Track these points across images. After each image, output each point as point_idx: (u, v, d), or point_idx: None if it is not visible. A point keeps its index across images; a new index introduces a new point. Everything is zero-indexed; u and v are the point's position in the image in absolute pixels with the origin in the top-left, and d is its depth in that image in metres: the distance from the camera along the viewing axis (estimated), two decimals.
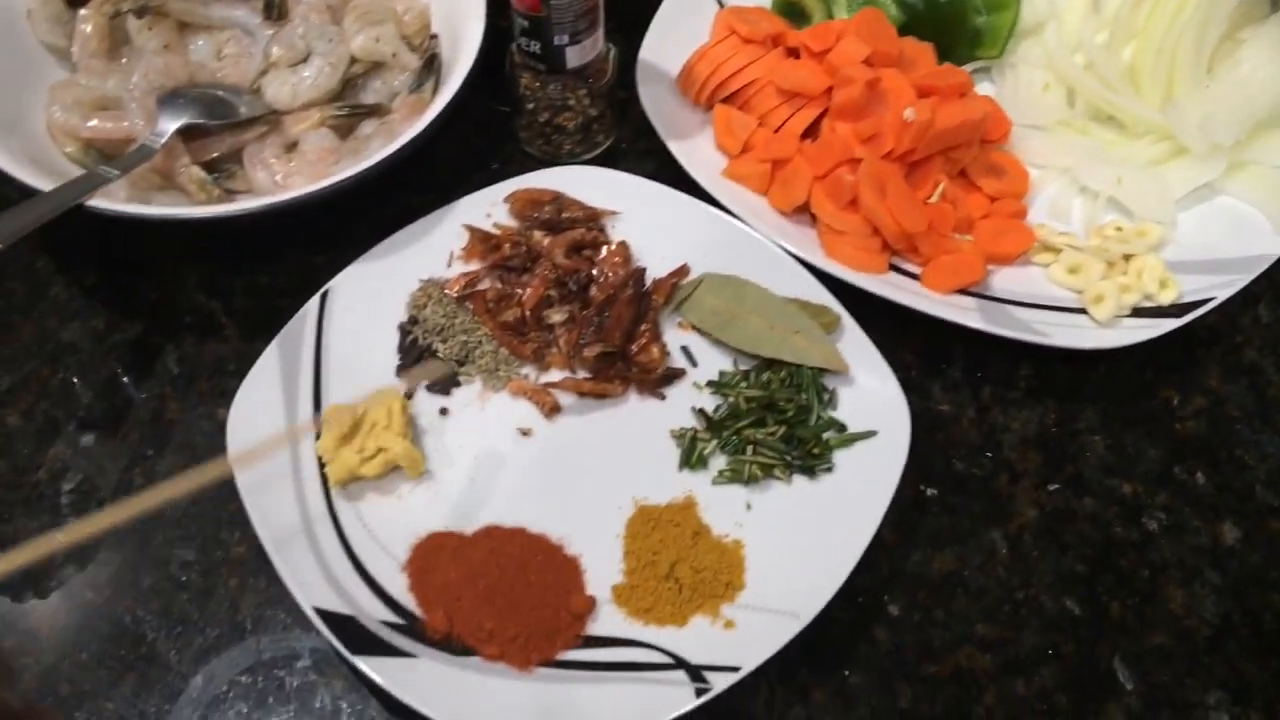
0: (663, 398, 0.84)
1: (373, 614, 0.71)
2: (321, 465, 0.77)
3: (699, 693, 0.68)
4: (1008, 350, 0.88)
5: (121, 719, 0.71)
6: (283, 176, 0.91)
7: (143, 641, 0.74)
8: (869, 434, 0.80)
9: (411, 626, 0.71)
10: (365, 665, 0.67)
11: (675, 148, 0.93)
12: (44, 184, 0.81)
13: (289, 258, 0.93)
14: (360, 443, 0.77)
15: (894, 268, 0.90)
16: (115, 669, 0.73)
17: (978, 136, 0.91)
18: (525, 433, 0.81)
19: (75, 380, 0.86)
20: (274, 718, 0.71)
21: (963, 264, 0.87)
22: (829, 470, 0.79)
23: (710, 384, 0.85)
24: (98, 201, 0.81)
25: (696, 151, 0.95)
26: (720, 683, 0.68)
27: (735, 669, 0.69)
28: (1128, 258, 0.89)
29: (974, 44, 1.01)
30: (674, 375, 0.85)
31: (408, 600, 0.73)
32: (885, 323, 0.85)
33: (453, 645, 0.70)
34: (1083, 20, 1.00)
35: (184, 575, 0.77)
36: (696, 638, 0.72)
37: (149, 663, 0.73)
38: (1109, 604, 0.78)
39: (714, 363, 0.86)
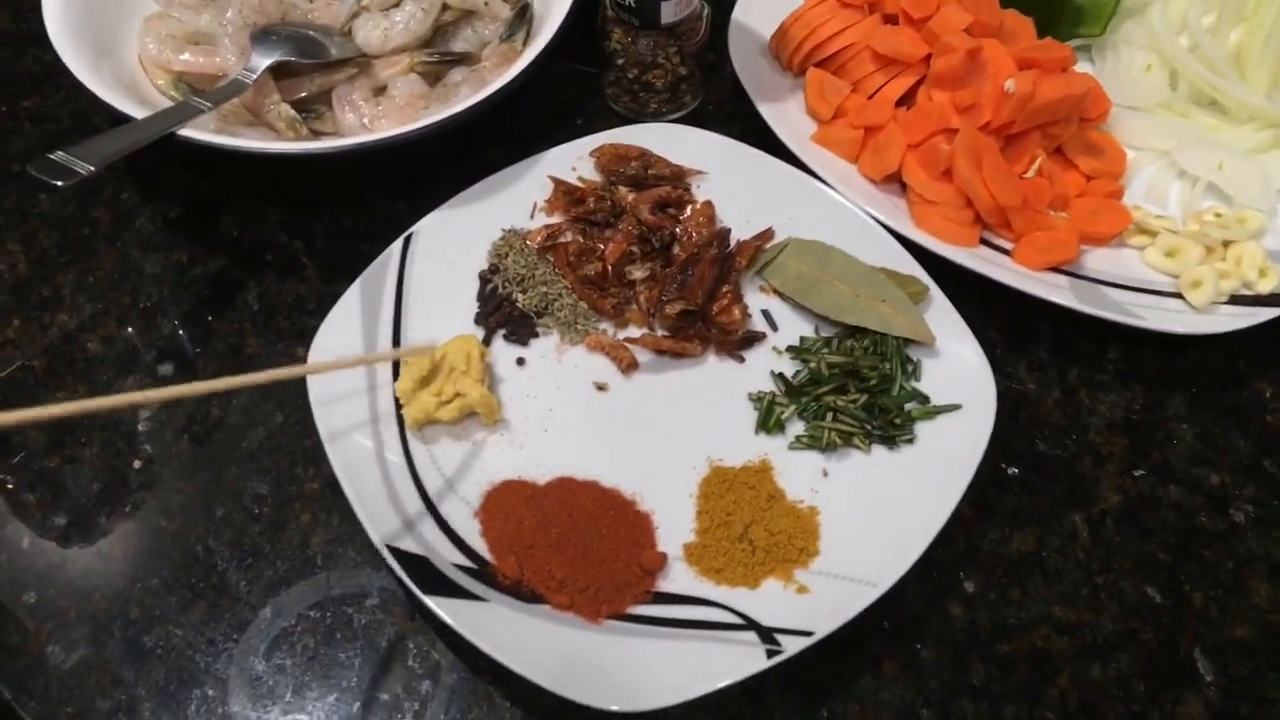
0: (741, 360, 0.83)
1: (445, 556, 0.71)
2: (398, 407, 0.78)
3: (770, 654, 0.67)
4: (1096, 332, 0.86)
5: (189, 645, 0.71)
6: (370, 119, 0.90)
7: (213, 571, 0.74)
8: (953, 407, 0.78)
9: (482, 571, 0.71)
10: (436, 605, 0.67)
11: (765, 111, 0.92)
12: (134, 113, 0.82)
13: (371, 203, 0.93)
14: (438, 386, 0.77)
15: (984, 242, 0.88)
16: (185, 596, 0.73)
17: (1078, 113, 0.89)
18: (601, 387, 0.81)
19: (156, 311, 0.87)
20: (340, 653, 0.71)
21: (1056, 241, 0.85)
22: (910, 442, 0.78)
23: (790, 349, 0.83)
24: (189, 131, 0.82)
25: (786, 116, 0.93)
26: (792, 646, 0.67)
27: (808, 633, 0.68)
28: (1226, 244, 0.87)
29: (1076, 21, 0.98)
30: (754, 338, 0.84)
31: (479, 545, 0.72)
32: (971, 298, 0.84)
33: (522, 592, 0.70)
34: (1189, 2, 0.98)
35: (257, 508, 0.77)
36: (768, 600, 0.71)
37: (219, 592, 0.73)
38: (1191, 594, 0.76)
39: (795, 328, 0.84)
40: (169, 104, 0.88)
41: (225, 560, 0.75)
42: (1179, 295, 0.85)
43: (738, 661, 0.67)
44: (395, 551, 0.69)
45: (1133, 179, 0.94)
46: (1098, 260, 0.88)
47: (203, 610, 0.73)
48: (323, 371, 0.75)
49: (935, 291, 0.83)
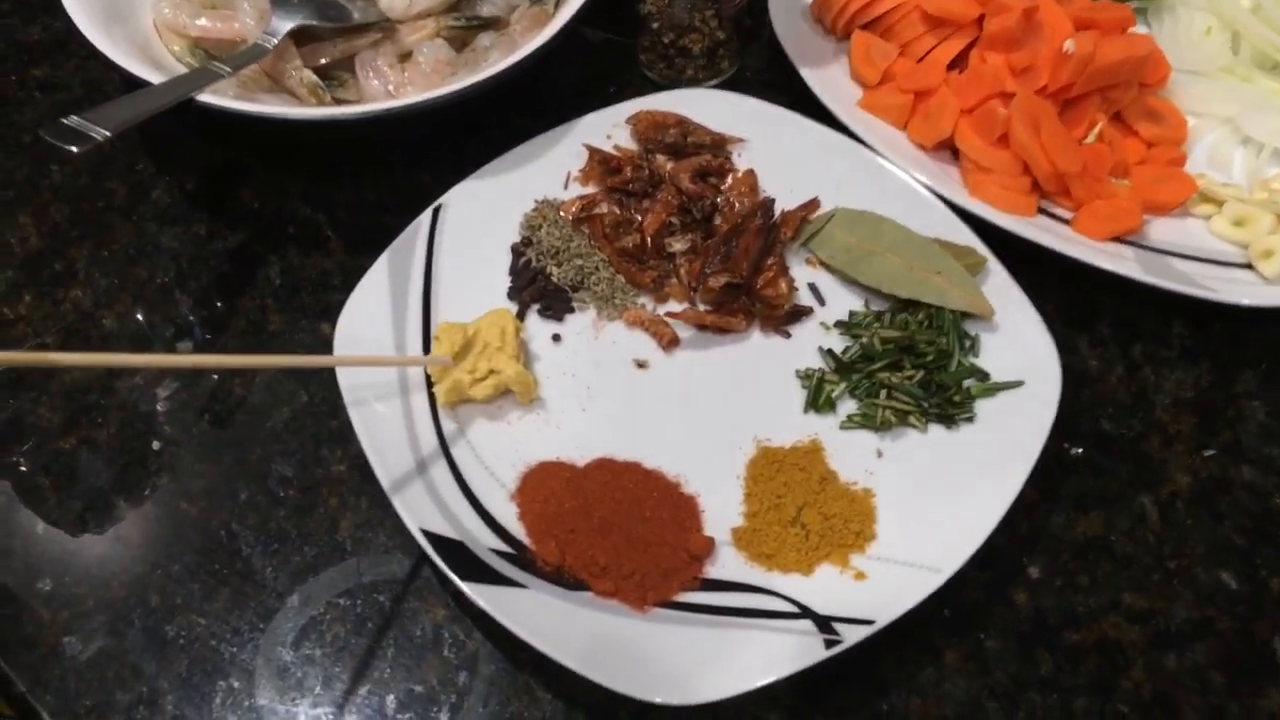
0: (788, 336, 0.79)
1: (481, 541, 0.68)
2: (430, 384, 0.74)
3: (829, 644, 0.64)
4: (1160, 305, 0.82)
5: (213, 635, 0.68)
6: (395, 86, 0.87)
7: (238, 556, 0.71)
8: (1015, 384, 0.75)
9: (521, 556, 0.68)
10: (474, 592, 0.64)
11: (808, 75, 0.88)
12: (150, 79, 0.78)
13: (396, 175, 0.90)
14: (472, 363, 0.74)
15: (1042, 211, 0.84)
16: (208, 583, 0.70)
17: (1138, 77, 0.85)
18: (641, 364, 0.78)
19: (174, 287, 0.84)
20: (372, 643, 0.68)
21: (1119, 210, 0.82)
22: (969, 420, 0.74)
23: (839, 324, 0.80)
24: (208, 97, 0.78)
25: (830, 82, 0.90)
26: (852, 636, 0.64)
27: (868, 622, 0.64)
28: None
29: None
30: (801, 313, 0.80)
31: (517, 529, 0.70)
32: (1027, 270, 0.80)
33: (564, 579, 0.67)
34: None
35: (282, 491, 0.74)
36: (824, 587, 0.68)
37: (243, 578, 0.70)
38: (1269, 580, 0.72)
39: (844, 302, 0.81)
40: (183, 70, 0.84)
41: (250, 545, 0.72)
42: (1249, 266, 0.81)
43: (793, 652, 0.64)
44: (430, 536, 0.66)
45: (1194, 146, 0.90)
46: (1161, 230, 0.84)
47: (227, 598, 0.70)
48: (346, 365, 0.71)
49: (993, 262, 0.79)
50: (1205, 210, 0.85)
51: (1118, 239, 0.82)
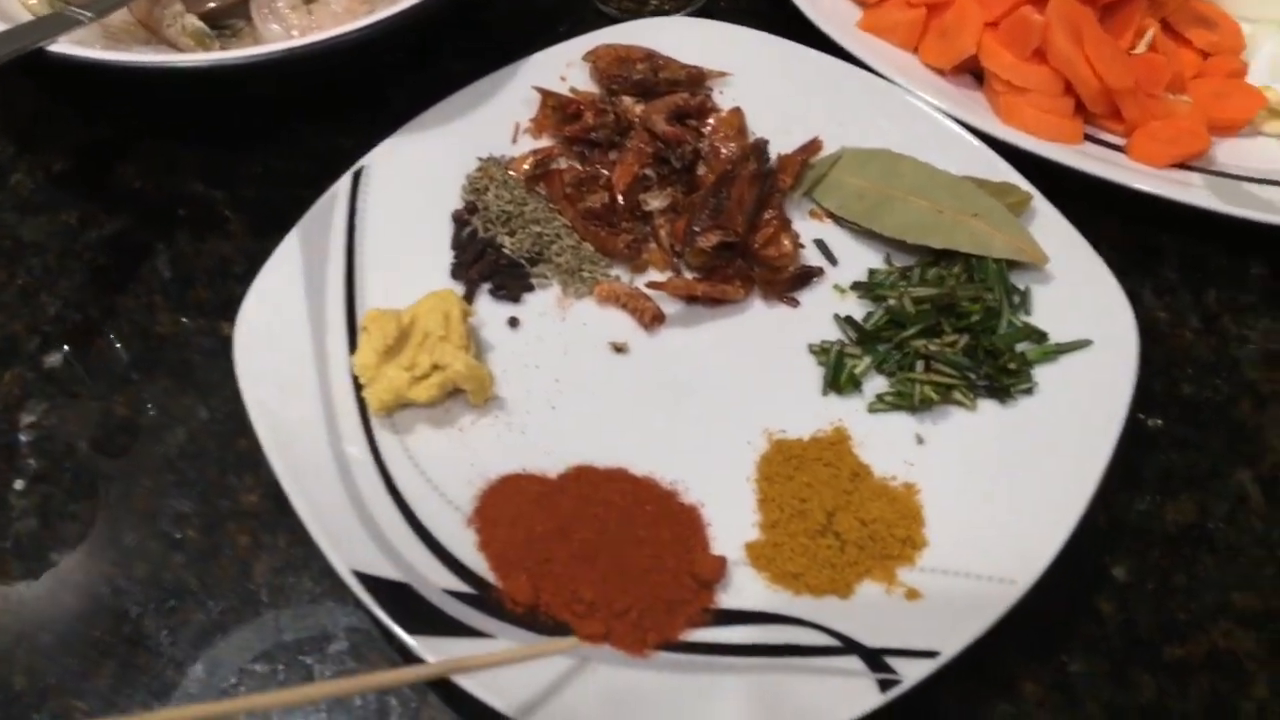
0: (796, 304, 0.70)
1: (432, 580, 0.58)
2: (359, 387, 0.64)
3: (884, 686, 0.53)
4: (1232, 242, 0.74)
5: None
6: (300, 31, 0.78)
7: (125, 619, 0.60)
8: (1081, 344, 0.65)
9: (484, 597, 0.58)
10: (425, 648, 0.54)
11: None
12: None
13: (310, 139, 0.80)
14: (410, 357, 0.63)
15: (1088, 139, 0.75)
16: (88, 656, 0.59)
17: None
18: (619, 348, 0.68)
19: (39, 287, 0.73)
20: (299, 719, 0.57)
21: (1181, 131, 0.74)
22: (1028, 392, 0.65)
23: (857, 286, 0.70)
24: (65, 47, 0.66)
25: (822, 1, 0.81)
26: (912, 673, 0.53)
27: (931, 654, 0.54)
28: None
29: None
30: (810, 275, 0.70)
31: (477, 563, 0.59)
32: (1073, 209, 0.70)
33: (540, 622, 0.57)
34: None
35: (179, 531, 0.63)
36: (868, 611, 0.58)
37: (133, 647, 0.59)
38: None
39: (860, 259, 0.72)
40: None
41: (139, 604, 0.61)
42: None
43: (839, 698, 0.54)
44: (365, 579, 0.56)
45: (1252, 56, 0.82)
46: (1230, 153, 0.77)
47: (112, 672, 0.59)
48: (465, 671, 0.55)
49: (1039, 200, 0.70)
50: (1277, 127, 0.77)
51: (1181, 165, 0.74)
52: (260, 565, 0.62)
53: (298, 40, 0.67)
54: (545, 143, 0.75)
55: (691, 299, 0.69)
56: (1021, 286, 0.67)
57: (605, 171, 0.74)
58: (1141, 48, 0.74)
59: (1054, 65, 0.72)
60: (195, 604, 0.60)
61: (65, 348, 0.70)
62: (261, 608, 0.60)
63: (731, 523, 0.61)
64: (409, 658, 0.56)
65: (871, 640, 0.55)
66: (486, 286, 0.70)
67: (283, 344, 0.64)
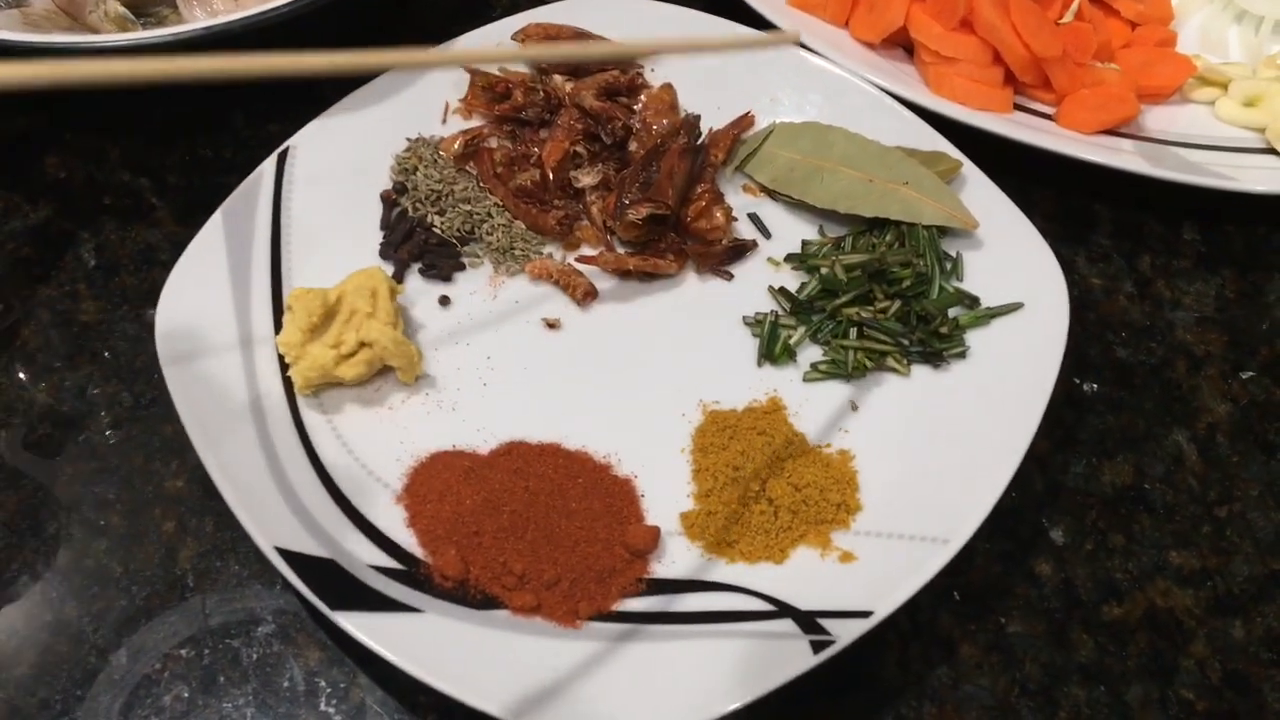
0: (729, 277, 0.68)
1: (359, 557, 0.56)
2: (284, 366, 0.61)
3: (817, 646, 0.52)
4: (1165, 209, 0.73)
5: (17, 711, 0.54)
6: (226, 16, 0.71)
7: (46, 607, 0.58)
8: (1013, 307, 0.64)
9: (412, 573, 0.56)
10: (352, 624, 0.52)
11: None
12: None
13: (237, 127, 0.79)
14: (336, 335, 0.62)
15: (1018, 109, 0.75)
16: (7, 645, 0.56)
17: None
18: (552, 325, 0.67)
19: None
20: (227, 702, 0.55)
21: (1110, 97, 0.73)
22: (961, 356, 0.63)
23: (791, 258, 0.69)
24: None
25: None
26: (845, 633, 0.52)
27: (864, 614, 0.53)
28: None
29: None
30: (743, 248, 0.69)
31: (406, 538, 0.58)
32: (1005, 179, 0.69)
33: (470, 595, 0.56)
34: None
35: (101, 518, 0.61)
36: (803, 576, 0.57)
37: (54, 634, 0.57)
38: None
39: (793, 231, 0.70)
40: None
41: (60, 591, 0.58)
42: (1268, 150, 0.71)
43: (773, 661, 0.53)
44: (290, 557, 0.54)
45: (1180, 27, 0.81)
46: (1158, 119, 0.76)
47: (32, 662, 0.56)
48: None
49: (970, 168, 0.68)
50: (1206, 94, 0.77)
51: (1111, 131, 0.73)
52: (185, 550, 0.60)
53: (218, 19, 0.65)
54: (475, 122, 0.74)
55: (624, 274, 0.67)
56: (953, 253, 0.66)
57: (536, 150, 0.72)
58: (1068, 17, 0.73)
59: (981, 35, 0.71)
60: (118, 590, 0.58)
61: None
62: (187, 592, 0.58)
63: (666, 494, 0.60)
64: (338, 634, 0.54)
65: (805, 603, 0.54)
66: (417, 266, 0.68)
67: (206, 326, 0.63)
